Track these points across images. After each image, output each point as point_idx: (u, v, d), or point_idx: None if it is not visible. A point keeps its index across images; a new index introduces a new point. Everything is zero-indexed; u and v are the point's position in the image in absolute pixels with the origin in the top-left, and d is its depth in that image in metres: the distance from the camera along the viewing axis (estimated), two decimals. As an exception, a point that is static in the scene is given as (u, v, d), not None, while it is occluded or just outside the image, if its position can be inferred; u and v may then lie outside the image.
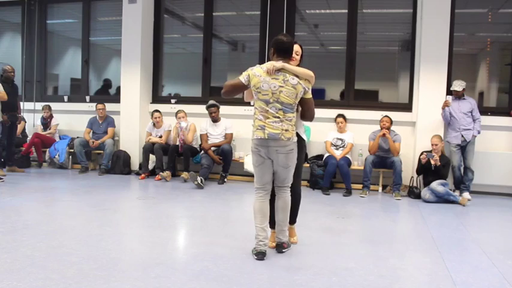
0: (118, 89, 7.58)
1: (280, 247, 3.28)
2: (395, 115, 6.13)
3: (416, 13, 6.26)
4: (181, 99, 7.55)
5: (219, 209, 4.90)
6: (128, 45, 7.17)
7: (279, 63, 3.06)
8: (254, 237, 3.18)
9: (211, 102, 6.55)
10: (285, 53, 3.13)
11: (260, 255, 3.11)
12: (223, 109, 6.67)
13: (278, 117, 3.04)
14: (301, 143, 3.27)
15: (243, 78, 3.12)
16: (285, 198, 3.24)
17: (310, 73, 3.12)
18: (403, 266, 3.20)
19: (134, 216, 4.63)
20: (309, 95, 3.13)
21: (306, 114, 3.19)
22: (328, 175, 5.91)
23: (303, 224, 4.20)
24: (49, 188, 5.75)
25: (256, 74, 3.09)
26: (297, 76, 3.06)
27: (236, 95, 3.30)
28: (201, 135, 6.58)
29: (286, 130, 3.05)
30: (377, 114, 6.20)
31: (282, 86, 3.03)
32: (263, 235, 3.15)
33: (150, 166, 6.71)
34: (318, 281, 2.79)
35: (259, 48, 7.01)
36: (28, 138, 7.47)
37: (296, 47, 3.29)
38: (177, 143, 6.57)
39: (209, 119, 6.58)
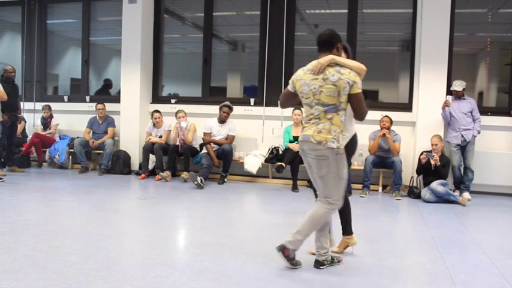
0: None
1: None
2: (395, 115, 6.13)
3: (416, 13, 6.26)
4: (181, 99, 7.55)
5: (219, 209, 4.90)
6: (127, 45, 7.17)
7: (327, 57, 2.79)
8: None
9: (226, 102, 6.54)
10: (323, 45, 2.87)
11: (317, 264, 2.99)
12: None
13: (318, 119, 2.81)
14: (350, 144, 2.96)
15: (289, 86, 2.98)
16: (317, 209, 2.88)
17: (362, 66, 2.83)
18: (403, 266, 3.20)
19: (134, 216, 4.63)
20: (356, 90, 2.74)
21: (356, 113, 2.85)
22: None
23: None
24: (49, 188, 5.75)
25: (298, 78, 2.91)
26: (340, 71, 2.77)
27: (292, 104, 3.20)
28: (204, 133, 6.55)
29: (319, 132, 2.77)
30: (377, 114, 6.19)
31: (322, 86, 2.77)
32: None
33: (150, 166, 6.71)
34: (318, 281, 2.79)
35: (259, 48, 7.01)
36: (28, 138, 7.47)
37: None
38: (177, 143, 6.56)
39: (215, 118, 6.57)
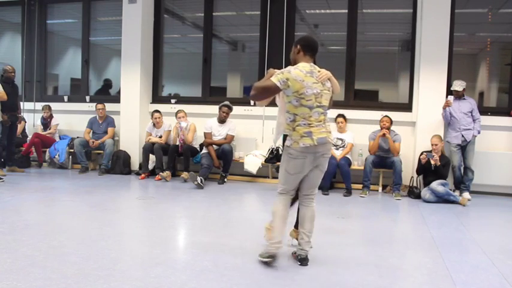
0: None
1: (306, 260, 3.07)
2: (395, 115, 6.13)
3: (416, 13, 6.26)
4: (181, 99, 7.55)
5: (219, 209, 4.90)
6: (127, 45, 7.17)
7: (329, 73, 3.07)
8: (267, 241, 3.07)
9: (226, 102, 6.54)
10: (316, 52, 3.12)
11: (275, 257, 3.04)
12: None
13: (320, 121, 2.98)
14: None
15: (278, 81, 2.91)
16: (313, 208, 3.15)
17: (339, 89, 3.20)
18: (403, 266, 3.20)
19: (134, 216, 4.63)
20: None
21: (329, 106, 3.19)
22: (328, 175, 5.89)
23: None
24: (49, 188, 5.75)
25: (298, 78, 2.91)
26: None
27: (266, 99, 3.12)
28: (205, 133, 6.54)
29: (329, 132, 3.03)
30: (377, 114, 6.20)
31: (322, 90, 2.99)
32: (281, 239, 3.06)
33: (150, 166, 6.71)
34: (318, 281, 2.79)
35: (259, 48, 7.01)
36: (28, 138, 7.47)
37: None
38: (177, 143, 6.56)
39: (215, 118, 6.57)
